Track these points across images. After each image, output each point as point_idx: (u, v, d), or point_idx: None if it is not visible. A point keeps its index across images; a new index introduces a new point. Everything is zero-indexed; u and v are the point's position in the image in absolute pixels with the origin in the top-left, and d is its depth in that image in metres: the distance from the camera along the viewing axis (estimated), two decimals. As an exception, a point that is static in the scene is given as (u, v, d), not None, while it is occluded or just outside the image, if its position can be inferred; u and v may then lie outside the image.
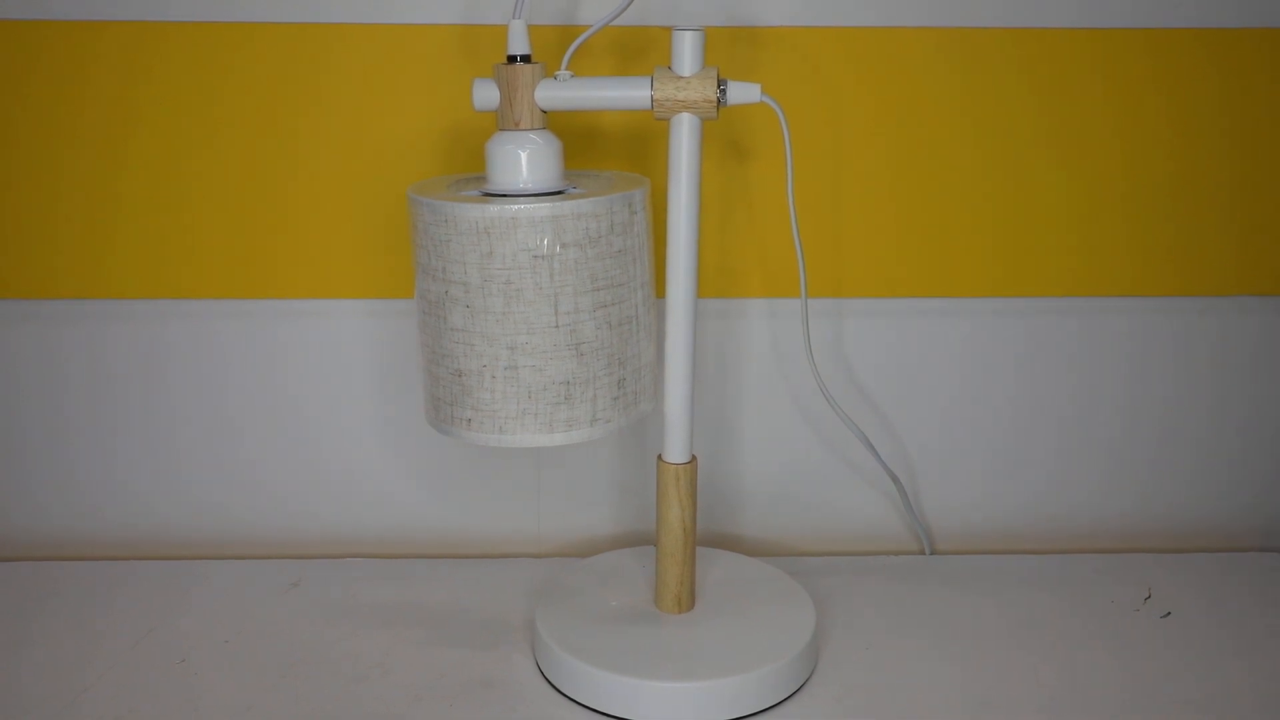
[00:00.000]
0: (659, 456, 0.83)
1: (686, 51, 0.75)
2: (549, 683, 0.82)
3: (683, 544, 0.83)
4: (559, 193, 0.76)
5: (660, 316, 0.81)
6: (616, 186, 0.77)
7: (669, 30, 0.75)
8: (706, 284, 0.94)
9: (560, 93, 0.76)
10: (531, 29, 0.77)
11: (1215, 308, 0.96)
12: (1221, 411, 0.99)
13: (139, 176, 0.91)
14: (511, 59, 0.76)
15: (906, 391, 0.98)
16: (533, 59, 0.76)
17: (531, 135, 0.76)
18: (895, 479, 0.98)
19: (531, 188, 0.76)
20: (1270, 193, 0.93)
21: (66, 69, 0.89)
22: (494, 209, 0.72)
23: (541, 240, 0.73)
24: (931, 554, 1.00)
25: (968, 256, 0.94)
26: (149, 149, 0.91)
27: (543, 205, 0.72)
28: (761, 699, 0.79)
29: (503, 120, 0.76)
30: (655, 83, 0.75)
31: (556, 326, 0.74)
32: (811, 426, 0.99)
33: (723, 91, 0.75)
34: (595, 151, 0.91)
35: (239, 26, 0.88)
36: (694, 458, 0.83)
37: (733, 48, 0.89)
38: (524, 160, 0.76)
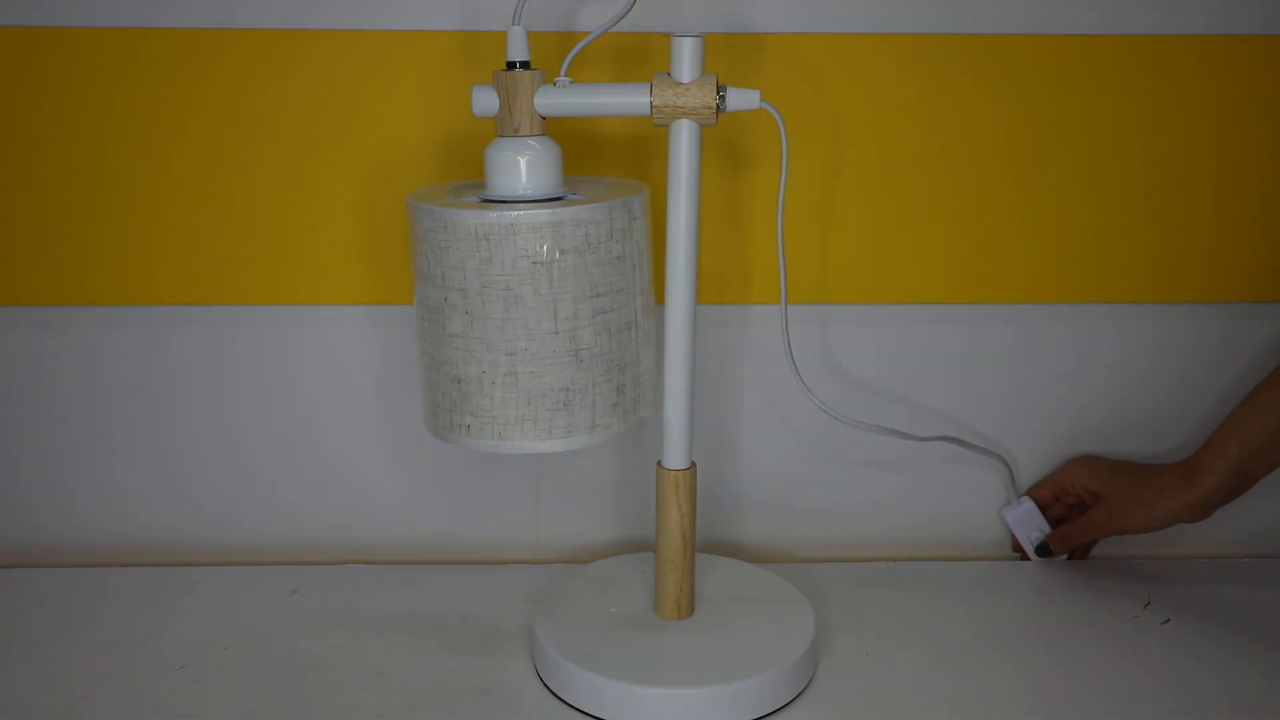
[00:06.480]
0: (658, 463, 0.83)
1: (686, 58, 0.75)
2: (548, 689, 0.82)
3: (682, 550, 0.83)
4: (558, 199, 0.76)
5: (660, 323, 0.81)
6: (616, 193, 0.77)
7: (668, 37, 0.75)
8: (706, 290, 0.93)
9: (559, 99, 0.76)
10: (531, 35, 0.77)
11: (1201, 313, 0.96)
12: (1214, 416, 0.99)
13: (137, 184, 0.91)
14: (511, 65, 0.76)
15: (905, 395, 0.98)
16: (532, 65, 0.76)
17: (531, 142, 0.76)
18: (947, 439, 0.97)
19: (531, 194, 0.76)
20: (1256, 197, 0.93)
21: (77, 78, 0.89)
22: (493, 215, 0.72)
23: (541, 246, 0.73)
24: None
25: (971, 261, 0.94)
26: (143, 155, 0.90)
27: (542, 211, 0.72)
28: (761, 705, 0.79)
29: (502, 126, 0.76)
30: (655, 89, 0.75)
31: (556, 333, 0.74)
32: (811, 432, 0.99)
33: (722, 98, 0.75)
34: (594, 158, 0.91)
35: (238, 33, 0.88)
36: (693, 464, 0.83)
37: (732, 54, 0.89)
38: (523, 166, 0.76)
